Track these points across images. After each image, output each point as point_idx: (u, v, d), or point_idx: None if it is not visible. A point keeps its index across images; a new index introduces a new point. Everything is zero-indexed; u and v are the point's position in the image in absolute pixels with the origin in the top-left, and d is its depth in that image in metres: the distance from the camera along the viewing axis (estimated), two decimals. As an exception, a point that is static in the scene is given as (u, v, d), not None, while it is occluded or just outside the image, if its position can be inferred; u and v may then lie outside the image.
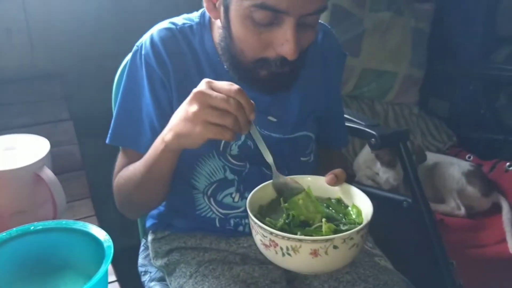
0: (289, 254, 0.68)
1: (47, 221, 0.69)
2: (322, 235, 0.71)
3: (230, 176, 0.94)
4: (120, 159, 0.97)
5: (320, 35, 1.00)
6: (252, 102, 0.72)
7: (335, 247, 0.67)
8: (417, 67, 1.97)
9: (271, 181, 0.82)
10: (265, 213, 0.79)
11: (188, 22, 0.94)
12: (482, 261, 1.37)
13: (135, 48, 0.93)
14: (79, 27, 1.64)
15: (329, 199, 0.82)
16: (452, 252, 1.30)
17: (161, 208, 1.04)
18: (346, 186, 0.82)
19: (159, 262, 1.02)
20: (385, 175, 1.52)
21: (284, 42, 0.78)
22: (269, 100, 0.93)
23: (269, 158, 0.78)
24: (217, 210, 0.96)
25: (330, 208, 0.80)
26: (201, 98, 0.71)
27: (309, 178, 0.84)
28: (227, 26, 0.82)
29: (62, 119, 1.49)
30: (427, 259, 1.26)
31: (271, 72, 0.82)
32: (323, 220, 0.74)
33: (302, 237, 0.68)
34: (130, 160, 0.92)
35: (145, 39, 0.92)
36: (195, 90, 0.72)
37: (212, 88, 0.71)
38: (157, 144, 0.81)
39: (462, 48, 2.00)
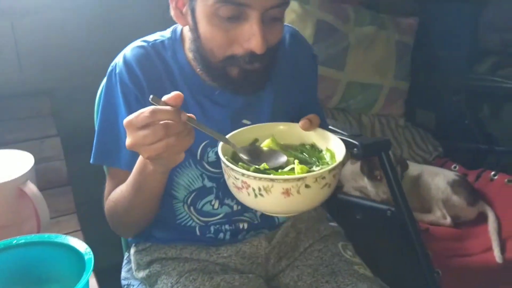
0: (261, 195, 0.68)
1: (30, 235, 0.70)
2: None
3: (208, 184, 0.95)
4: (108, 182, 0.98)
5: (287, 37, 1.02)
6: (170, 107, 0.70)
7: (307, 186, 0.68)
8: (402, 80, 2.00)
9: (246, 127, 0.83)
10: (238, 159, 0.78)
11: (160, 38, 0.97)
12: (468, 270, 1.38)
13: (110, 68, 0.96)
14: (67, 44, 1.67)
15: (303, 144, 0.83)
16: (438, 261, 1.31)
17: None
18: (320, 131, 0.83)
19: (141, 274, 1.03)
20: (374, 189, 1.53)
21: (251, 37, 0.80)
22: (242, 103, 0.95)
23: (223, 139, 0.78)
24: (197, 218, 0.98)
25: (304, 154, 0.81)
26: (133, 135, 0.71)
27: (281, 127, 0.85)
28: (194, 27, 0.85)
29: (50, 135, 1.50)
30: (412, 269, 1.27)
31: (242, 69, 0.84)
32: (296, 161, 0.75)
33: (274, 176, 0.69)
34: (117, 180, 0.93)
35: (119, 59, 0.95)
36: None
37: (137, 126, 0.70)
38: (143, 167, 0.81)
39: (446, 60, 2.04)
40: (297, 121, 0.98)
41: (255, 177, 0.68)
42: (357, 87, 1.92)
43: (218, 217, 0.97)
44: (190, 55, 0.92)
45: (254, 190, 0.69)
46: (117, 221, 0.95)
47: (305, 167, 0.74)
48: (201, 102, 0.94)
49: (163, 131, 0.68)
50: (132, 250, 1.07)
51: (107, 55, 1.66)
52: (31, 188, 0.87)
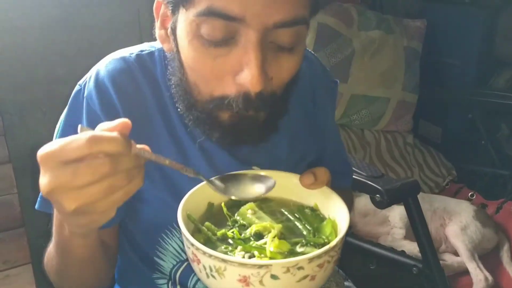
0: (213, 276, 0.51)
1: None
2: (266, 256, 0.53)
3: None
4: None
5: (304, 63, 0.74)
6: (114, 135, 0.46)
7: (273, 276, 0.49)
8: (410, 91, 1.80)
9: (224, 175, 0.62)
10: (214, 214, 0.62)
11: (148, 48, 0.72)
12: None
13: (77, 87, 0.70)
14: (20, 48, 1.39)
15: (302, 206, 0.63)
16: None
17: None
18: (327, 190, 0.62)
19: None
20: None
21: (244, 66, 0.56)
22: (249, 148, 0.70)
23: (192, 174, 0.55)
24: None
25: (298, 220, 0.61)
26: (60, 186, 0.45)
27: (281, 176, 0.64)
28: (177, 52, 0.63)
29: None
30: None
31: (234, 114, 0.60)
32: (270, 235, 0.55)
33: (228, 257, 0.50)
34: None
35: (90, 75, 0.69)
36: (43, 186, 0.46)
37: (61, 160, 0.44)
38: (58, 228, 0.59)
39: (457, 70, 1.84)
40: (318, 162, 0.75)
41: (204, 253, 0.51)
42: (361, 101, 1.72)
43: None
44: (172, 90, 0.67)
45: (205, 268, 0.52)
46: (54, 281, 0.72)
47: (285, 244, 0.55)
48: (200, 142, 0.70)
49: (108, 166, 0.44)
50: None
51: (70, 60, 1.42)
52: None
